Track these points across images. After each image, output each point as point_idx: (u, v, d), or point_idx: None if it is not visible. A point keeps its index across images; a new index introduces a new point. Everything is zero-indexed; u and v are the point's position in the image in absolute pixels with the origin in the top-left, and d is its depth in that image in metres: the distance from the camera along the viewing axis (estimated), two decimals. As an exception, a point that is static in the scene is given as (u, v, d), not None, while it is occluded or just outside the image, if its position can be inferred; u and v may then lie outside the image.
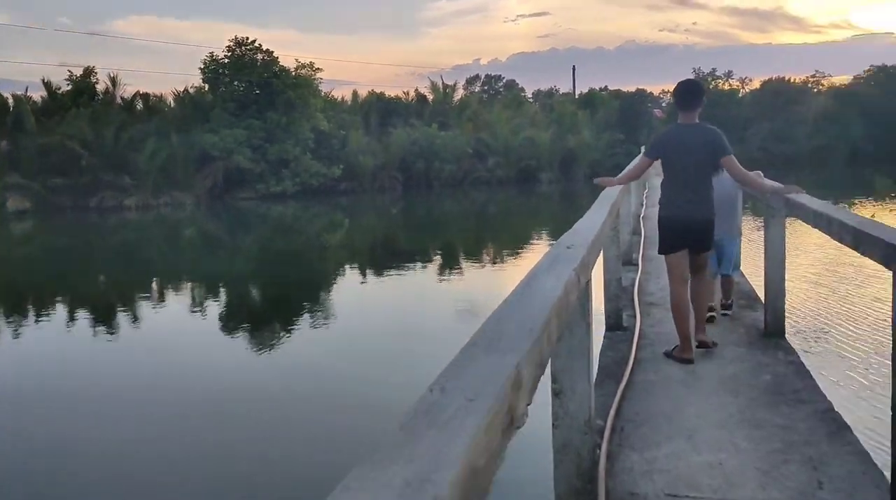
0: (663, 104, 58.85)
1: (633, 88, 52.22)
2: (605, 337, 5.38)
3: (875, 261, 2.80)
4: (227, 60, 36.28)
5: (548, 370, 2.76)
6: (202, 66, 36.57)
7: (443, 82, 44.88)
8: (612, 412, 3.86)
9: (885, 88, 52.18)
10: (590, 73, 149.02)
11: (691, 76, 52.23)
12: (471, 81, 56.40)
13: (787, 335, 5.24)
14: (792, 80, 52.89)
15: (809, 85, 53.88)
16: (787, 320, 5.32)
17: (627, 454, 3.44)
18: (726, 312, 5.77)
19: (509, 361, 1.34)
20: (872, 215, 18.00)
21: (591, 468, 2.83)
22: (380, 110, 41.88)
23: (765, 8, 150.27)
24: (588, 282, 2.78)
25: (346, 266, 17.93)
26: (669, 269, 4.77)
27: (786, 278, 5.20)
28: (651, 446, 3.51)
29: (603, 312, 5.64)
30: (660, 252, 4.85)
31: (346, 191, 36.61)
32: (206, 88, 37.08)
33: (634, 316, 5.74)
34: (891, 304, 2.69)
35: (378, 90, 44.60)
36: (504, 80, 57.22)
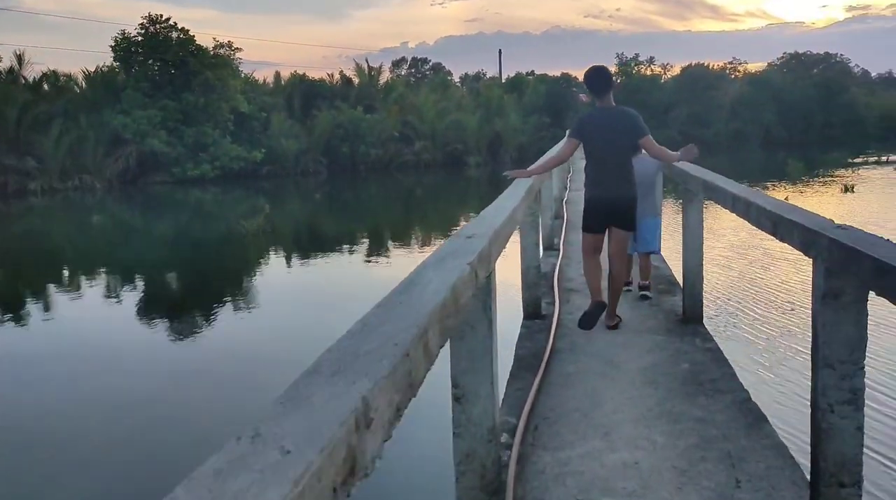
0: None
1: (558, 73, 52.55)
2: (522, 326, 5.17)
3: (794, 248, 2.63)
4: (140, 39, 34.59)
5: (447, 374, 2.50)
6: (113, 45, 34.77)
7: (368, 65, 44.13)
8: (526, 409, 3.64)
9: (796, 74, 54.37)
10: (516, 58, 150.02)
11: (614, 61, 53.28)
12: (397, 64, 55.79)
13: (704, 320, 5.15)
14: (711, 67, 54.33)
15: (727, 71, 55.53)
16: (704, 306, 5.23)
17: (540, 454, 3.21)
18: (646, 292, 5.77)
19: (356, 391, 1.05)
20: (786, 198, 18.55)
21: (497, 479, 2.58)
22: (303, 93, 40.83)
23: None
24: (491, 275, 2.51)
25: (269, 253, 17.30)
26: (585, 244, 4.92)
27: (703, 262, 5.09)
28: (565, 445, 3.30)
29: (521, 300, 5.45)
30: (583, 230, 4.94)
31: (269, 175, 35.60)
32: (118, 68, 35.30)
33: (553, 304, 5.55)
34: (811, 292, 2.52)
35: (303, 72, 43.48)
36: (431, 64, 56.81)
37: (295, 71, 43.17)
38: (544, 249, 8.04)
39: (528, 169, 5.31)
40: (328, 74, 44.24)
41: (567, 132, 5.00)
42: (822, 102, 50.34)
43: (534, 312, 5.34)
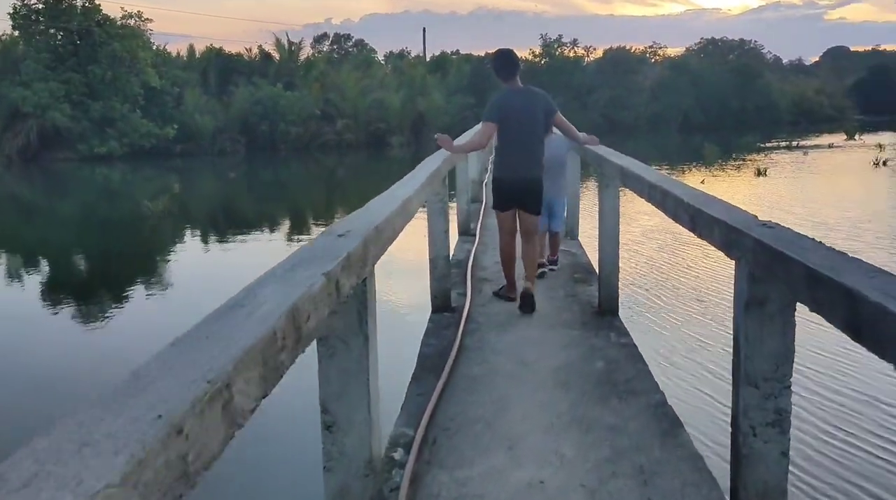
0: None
1: (483, 53, 52.32)
2: (430, 321, 4.82)
3: (715, 247, 2.35)
4: (41, 6, 32.43)
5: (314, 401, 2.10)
6: (11, 12, 32.51)
7: (288, 40, 42.77)
8: (424, 419, 3.28)
9: (713, 59, 55.83)
10: (442, 37, 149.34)
11: (539, 42, 53.45)
12: (319, 40, 54.28)
13: (620, 312, 4.92)
14: (632, 50, 55.14)
15: (647, 55, 56.48)
16: (621, 296, 5.00)
17: (435, 474, 2.86)
18: (553, 267, 5.94)
19: (92, 485, 0.64)
20: (702, 181, 18.83)
21: (376, 519, 2.20)
22: (220, 67, 39.28)
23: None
24: (367, 280, 2.12)
25: (179, 235, 16.39)
26: (500, 223, 4.99)
27: (619, 251, 4.84)
28: (465, 462, 2.96)
29: (430, 292, 5.09)
30: (494, 208, 5.00)
31: (183, 154, 34.13)
32: (17, 37, 33.05)
33: (465, 295, 5.21)
34: (732, 299, 2.23)
35: (219, 46, 41.77)
36: (354, 40, 55.56)
37: (211, 44, 41.47)
38: (460, 234, 7.84)
39: (455, 143, 5.22)
40: (246, 49, 42.71)
41: (483, 117, 4.87)
42: (738, 88, 51.85)
43: (442, 304, 4.98)
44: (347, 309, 2.00)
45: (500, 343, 4.33)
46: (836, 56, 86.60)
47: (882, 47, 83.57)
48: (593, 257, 6.28)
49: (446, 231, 5.02)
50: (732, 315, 2.21)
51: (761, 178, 19.30)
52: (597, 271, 5.34)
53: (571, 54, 53.27)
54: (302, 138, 37.35)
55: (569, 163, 5.98)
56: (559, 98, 48.70)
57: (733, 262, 2.22)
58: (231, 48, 44.41)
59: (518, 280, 5.05)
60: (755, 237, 1.94)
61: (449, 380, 3.78)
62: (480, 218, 8.59)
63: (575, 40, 53.52)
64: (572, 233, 7.39)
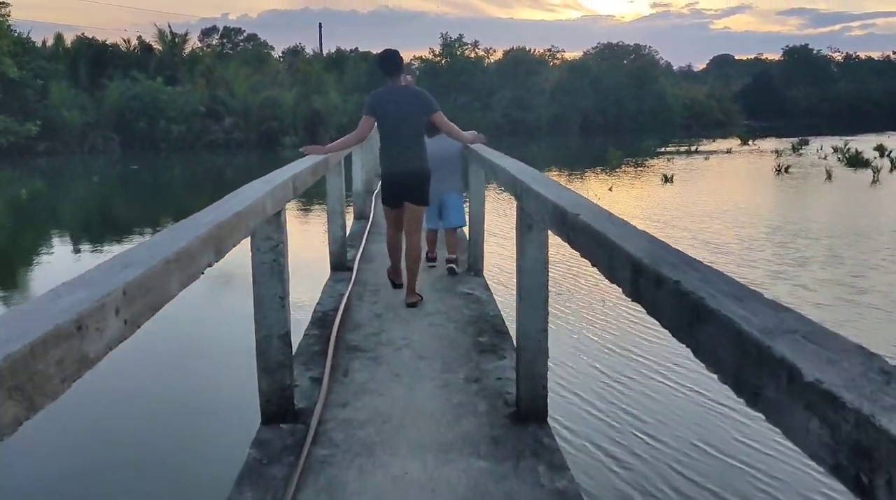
0: (415, 69, 58.30)
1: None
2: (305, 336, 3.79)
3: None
4: None
5: None
6: None
7: (171, 31, 39.63)
8: None
9: (610, 63, 56.35)
10: (342, 36, 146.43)
11: (439, 41, 52.24)
12: (207, 33, 50.94)
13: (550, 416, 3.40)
14: (532, 52, 54.84)
15: (547, 58, 56.35)
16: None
17: None
18: (452, 266, 5.82)
19: None
20: (610, 189, 17.91)
21: None
22: (92, 59, 35.84)
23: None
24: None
25: (38, 246, 13.87)
26: (387, 218, 5.13)
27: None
28: None
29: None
30: (383, 203, 5.11)
31: (48, 152, 30.77)
32: None
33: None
34: None
35: (91, 36, 38.15)
36: (245, 35, 52.48)
37: (82, 34, 37.84)
38: (356, 218, 8.25)
39: (326, 146, 5.13)
40: (123, 40, 39.23)
41: (362, 111, 4.97)
42: (634, 91, 52.48)
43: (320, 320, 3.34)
44: None
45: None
46: (722, 63, 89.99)
47: (764, 56, 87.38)
48: (508, 303, 4.78)
49: (282, 297, 3.34)
50: None
51: (669, 185, 18.58)
52: (513, 337, 3.71)
53: (472, 55, 52.38)
54: (185, 137, 34.54)
55: (460, 160, 5.92)
56: (461, 98, 47.92)
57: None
58: (108, 38, 40.66)
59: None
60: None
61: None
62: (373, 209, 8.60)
63: (476, 41, 52.66)
64: (476, 268, 5.90)
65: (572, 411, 4.84)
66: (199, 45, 46.15)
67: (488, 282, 5.74)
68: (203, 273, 1.77)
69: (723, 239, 11.27)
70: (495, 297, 5.30)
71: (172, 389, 5.54)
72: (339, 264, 5.94)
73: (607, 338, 6.48)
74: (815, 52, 75.23)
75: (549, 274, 2.99)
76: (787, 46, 76.99)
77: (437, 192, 5.48)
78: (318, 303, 5.05)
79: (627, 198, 16.51)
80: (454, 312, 4.79)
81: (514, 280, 3.16)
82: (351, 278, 5.59)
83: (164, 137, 33.84)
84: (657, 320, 1.34)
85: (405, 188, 4.88)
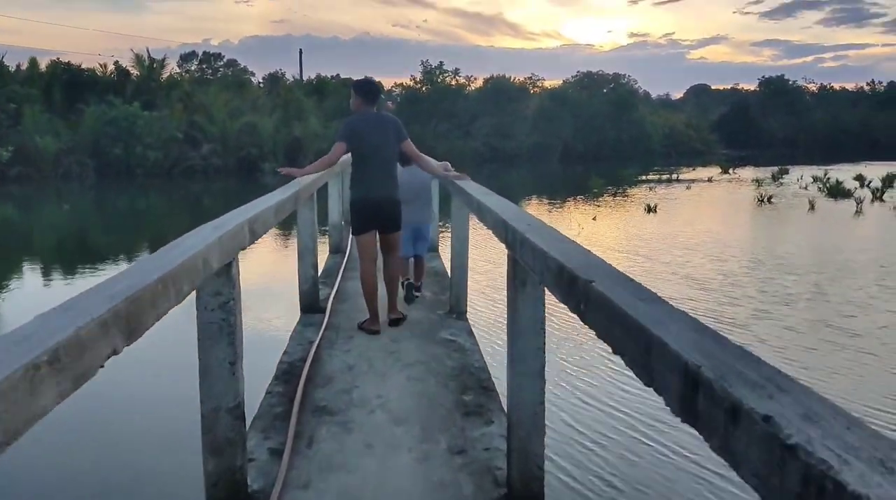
0: (395, 96, 58.19)
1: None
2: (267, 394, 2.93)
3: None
4: None
5: None
6: None
7: (149, 56, 39.14)
8: None
9: (589, 91, 56.65)
10: (324, 62, 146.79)
11: (420, 69, 52.20)
12: (187, 58, 50.52)
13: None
14: (513, 80, 55.00)
15: (527, 86, 56.53)
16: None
17: None
18: (417, 293, 5.94)
19: None
20: (594, 218, 17.61)
21: None
22: (67, 84, 35.24)
23: (487, 13, 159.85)
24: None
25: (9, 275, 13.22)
26: (360, 249, 4.96)
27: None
28: None
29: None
30: (353, 233, 4.97)
31: (20, 178, 30.00)
32: None
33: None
34: None
35: (67, 60, 37.59)
36: (226, 60, 52.14)
37: (57, 59, 37.27)
38: (331, 252, 7.73)
39: (304, 169, 5.15)
40: (100, 65, 38.68)
41: (335, 137, 4.90)
42: (614, 119, 52.73)
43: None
44: None
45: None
46: (699, 93, 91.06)
47: (740, 86, 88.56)
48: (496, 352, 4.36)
49: (233, 363, 2.91)
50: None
51: (652, 215, 18.33)
52: (501, 396, 3.38)
53: (453, 83, 52.40)
54: (162, 163, 33.91)
55: (434, 189, 6.19)
56: (442, 125, 47.79)
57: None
58: (84, 63, 40.12)
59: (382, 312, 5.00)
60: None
61: None
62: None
63: (457, 69, 52.71)
64: (459, 310, 5.48)
65: (573, 496, 4.07)
66: (178, 70, 45.74)
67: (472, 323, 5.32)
68: (103, 366, 1.33)
69: (706, 274, 10.93)
70: (480, 342, 4.87)
71: (93, 477, 4.43)
72: (311, 306, 5.48)
73: (619, 401, 5.52)
74: (790, 82, 76.31)
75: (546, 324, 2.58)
76: (763, 77, 78.11)
77: (411, 221, 5.63)
78: (284, 352, 4.59)
79: (611, 228, 16.21)
80: (435, 362, 4.36)
81: (496, 317, 2.75)
82: (322, 322, 5.15)
83: (140, 163, 33.20)
84: (733, 468, 0.93)
85: (381, 215, 4.87)
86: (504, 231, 2.67)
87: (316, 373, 4.12)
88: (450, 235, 5.69)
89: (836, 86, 79.37)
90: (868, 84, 78.68)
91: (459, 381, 4.02)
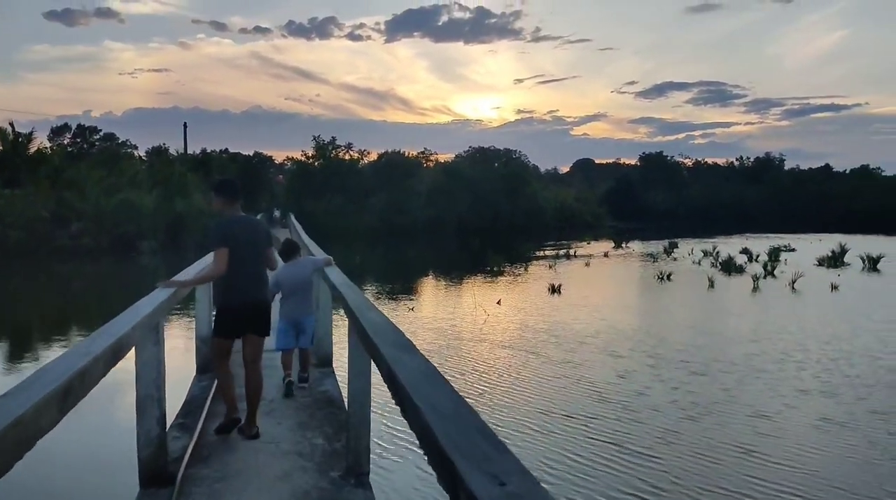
0: (287, 169, 56.72)
1: (252, 152, 48.93)
2: None
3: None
4: None
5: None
6: None
7: (14, 130, 36.18)
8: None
9: (481, 166, 57.36)
10: (214, 137, 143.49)
11: (311, 144, 51.29)
12: (58, 132, 47.42)
13: None
14: (406, 155, 54.96)
15: (421, 160, 56.64)
16: None
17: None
18: (303, 384, 5.95)
19: None
20: (498, 302, 16.70)
21: None
22: (-83, 158, 31.89)
23: (379, 88, 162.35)
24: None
25: None
26: (218, 350, 4.78)
27: None
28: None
29: None
30: (216, 335, 4.78)
31: None
32: None
33: None
34: None
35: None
36: (102, 133, 49.33)
37: None
38: (198, 373, 6.45)
39: (183, 280, 4.84)
40: (-41, 139, 35.39)
41: (211, 245, 4.62)
42: (508, 193, 53.35)
43: None
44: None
45: None
46: (584, 167, 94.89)
47: (622, 160, 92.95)
48: None
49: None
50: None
51: (556, 296, 17.72)
52: None
53: (347, 156, 51.73)
54: (27, 244, 30.85)
55: (314, 282, 6.31)
56: (336, 200, 46.66)
57: None
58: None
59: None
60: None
61: None
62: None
63: (350, 143, 52.20)
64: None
65: None
66: (49, 144, 42.70)
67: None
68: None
69: (610, 380, 10.16)
70: None
71: None
72: (154, 477, 3.93)
73: None
74: (668, 158, 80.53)
75: None
76: (644, 153, 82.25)
77: (294, 313, 5.89)
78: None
79: (517, 313, 15.34)
80: None
81: None
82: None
83: (0, 244, 30.07)
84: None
85: (251, 319, 4.70)
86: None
87: None
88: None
89: (710, 161, 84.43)
90: (737, 159, 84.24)
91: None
